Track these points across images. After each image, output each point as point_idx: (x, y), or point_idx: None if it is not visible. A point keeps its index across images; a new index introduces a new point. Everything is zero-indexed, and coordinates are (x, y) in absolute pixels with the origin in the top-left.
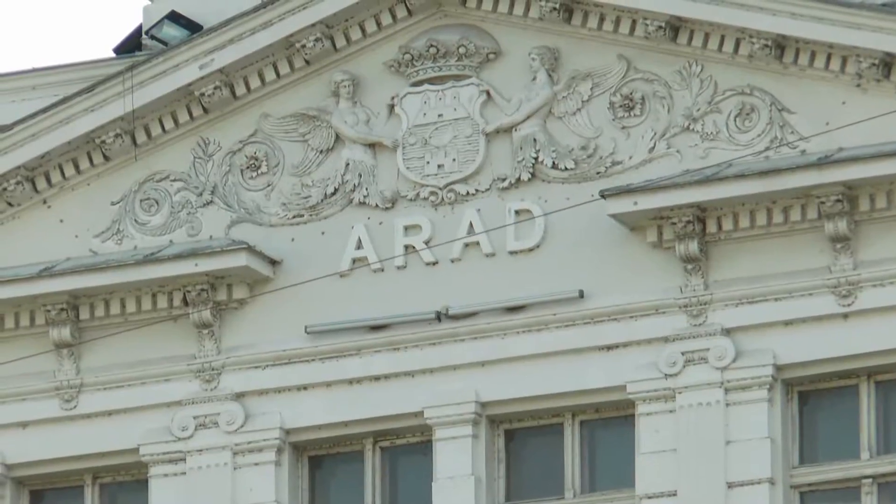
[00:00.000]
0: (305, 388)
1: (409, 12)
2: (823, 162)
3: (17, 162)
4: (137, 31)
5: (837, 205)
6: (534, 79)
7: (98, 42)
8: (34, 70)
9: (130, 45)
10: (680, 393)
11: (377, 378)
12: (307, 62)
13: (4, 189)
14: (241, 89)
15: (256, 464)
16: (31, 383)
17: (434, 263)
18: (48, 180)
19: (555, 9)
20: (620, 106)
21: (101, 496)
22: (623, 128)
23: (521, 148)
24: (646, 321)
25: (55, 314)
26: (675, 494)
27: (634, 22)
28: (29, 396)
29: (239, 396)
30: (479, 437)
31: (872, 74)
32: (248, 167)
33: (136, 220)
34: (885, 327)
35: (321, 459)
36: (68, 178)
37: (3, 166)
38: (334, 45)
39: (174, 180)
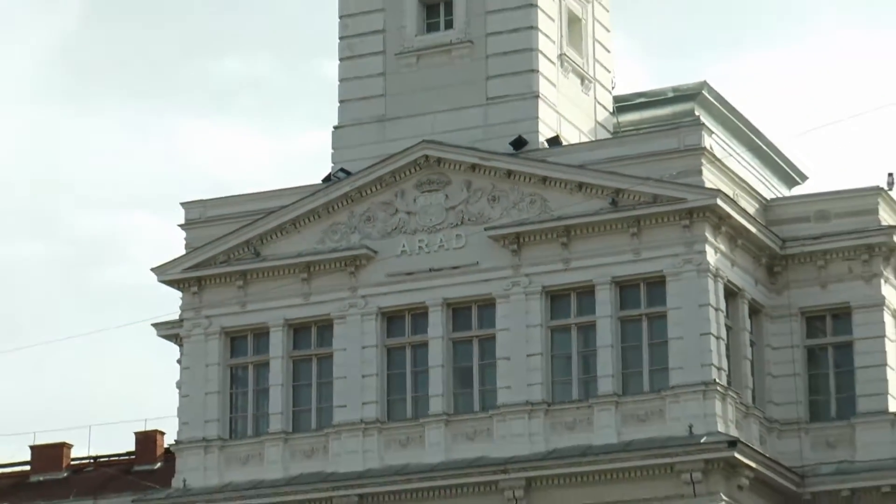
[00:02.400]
0: (386, 294)
1: (420, 168)
2: (561, 221)
3: (283, 220)
4: (329, 174)
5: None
6: (462, 190)
7: (312, 176)
8: (296, 187)
9: (327, 178)
10: (509, 296)
11: (410, 276)
12: (387, 184)
13: (284, 229)
14: (365, 193)
15: (370, 320)
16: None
17: (428, 252)
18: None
19: (469, 167)
20: (491, 200)
21: (318, 332)
22: (492, 208)
23: (457, 214)
24: (499, 272)
25: (299, 271)
26: (507, 329)
27: (495, 171)
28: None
29: (363, 297)
30: (443, 311)
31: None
32: (366, 220)
33: (329, 238)
34: (589, 274)
35: (392, 319)
36: (312, 222)
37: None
38: (396, 179)
39: (342, 224)
